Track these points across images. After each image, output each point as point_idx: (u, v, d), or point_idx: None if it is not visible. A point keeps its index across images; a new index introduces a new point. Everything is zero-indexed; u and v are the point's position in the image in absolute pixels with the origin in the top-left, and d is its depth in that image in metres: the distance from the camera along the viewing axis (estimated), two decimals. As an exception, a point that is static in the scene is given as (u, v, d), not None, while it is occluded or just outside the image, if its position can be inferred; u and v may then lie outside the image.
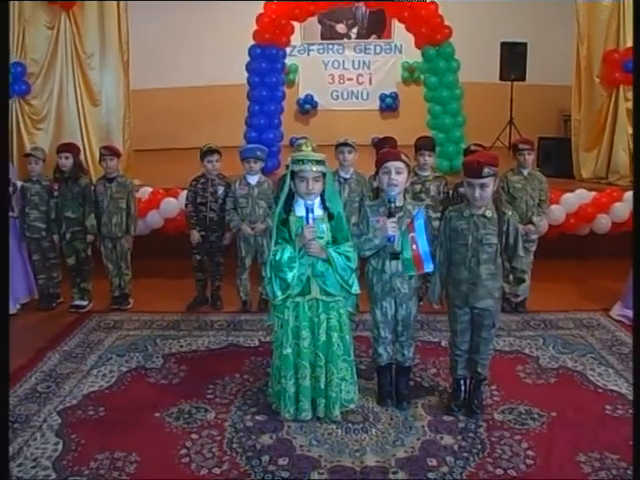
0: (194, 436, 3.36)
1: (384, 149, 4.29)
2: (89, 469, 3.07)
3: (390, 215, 3.33)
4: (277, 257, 3.33)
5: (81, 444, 3.28)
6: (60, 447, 3.25)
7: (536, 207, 5.08)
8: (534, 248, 5.15)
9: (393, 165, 3.37)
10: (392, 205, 3.33)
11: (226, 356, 4.40)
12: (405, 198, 3.50)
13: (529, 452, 3.19)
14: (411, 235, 3.36)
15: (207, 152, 5.14)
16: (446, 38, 7.48)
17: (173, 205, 6.05)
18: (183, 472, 3.06)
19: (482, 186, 3.26)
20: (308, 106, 11.10)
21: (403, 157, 3.42)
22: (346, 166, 5.04)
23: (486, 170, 3.24)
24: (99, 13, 6.65)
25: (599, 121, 6.94)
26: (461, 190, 4.86)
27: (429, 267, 3.40)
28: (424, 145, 5.08)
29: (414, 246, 3.36)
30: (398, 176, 3.36)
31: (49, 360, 4.31)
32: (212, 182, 5.16)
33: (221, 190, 5.16)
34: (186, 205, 5.28)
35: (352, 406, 3.59)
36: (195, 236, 5.18)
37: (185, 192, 5.42)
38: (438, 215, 4.75)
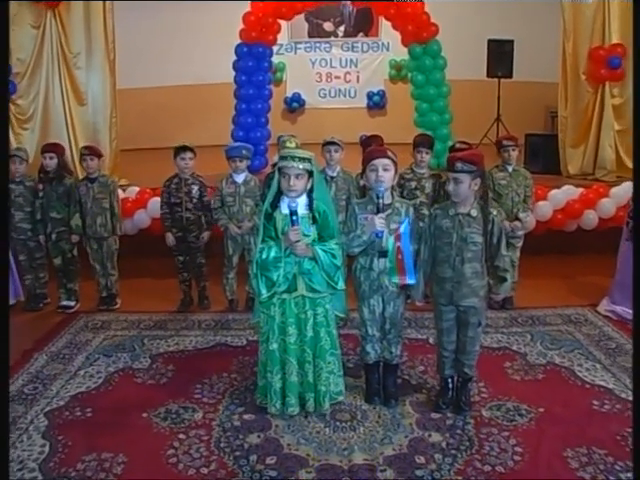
0: (182, 436, 3.35)
1: (371, 147, 4.29)
2: (76, 471, 3.05)
3: (378, 211, 3.33)
4: (263, 256, 3.34)
5: (68, 446, 3.26)
6: (47, 449, 3.23)
7: (522, 203, 5.09)
8: (520, 244, 5.16)
9: (380, 162, 3.38)
10: (380, 201, 3.33)
11: (214, 355, 4.39)
12: (393, 196, 3.51)
13: (517, 448, 3.20)
14: (397, 245, 3.38)
15: (180, 149, 5.06)
16: (433, 36, 7.51)
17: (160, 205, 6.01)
18: (171, 472, 3.05)
19: (456, 181, 3.28)
20: (295, 104, 11.09)
21: (390, 154, 3.42)
22: (333, 165, 5.04)
23: (458, 165, 3.25)
24: (85, 12, 6.62)
25: (585, 117, 6.99)
26: (447, 188, 4.88)
27: (411, 279, 3.43)
28: (422, 142, 5.09)
29: (399, 256, 3.38)
30: (385, 173, 3.37)
31: (36, 361, 4.28)
32: (186, 182, 5.11)
33: (195, 189, 5.11)
34: (161, 206, 5.22)
35: (341, 398, 3.61)
36: (170, 238, 5.14)
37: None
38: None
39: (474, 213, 3.33)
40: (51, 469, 3.07)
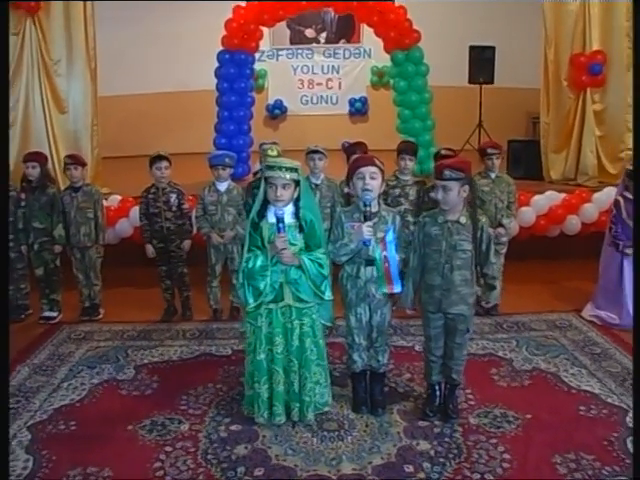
0: (168, 448, 3.31)
1: (356, 154, 4.29)
2: (61, 486, 3.01)
3: (365, 219, 3.32)
4: (249, 265, 3.33)
5: (52, 460, 3.20)
6: (30, 464, 3.17)
7: (505, 210, 5.11)
8: (504, 250, 5.17)
9: (367, 170, 3.37)
10: (367, 209, 3.32)
11: (199, 366, 4.35)
12: (380, 204, 3.50)
13: (505, 455, 3.20)
14: (384, 254, 3.37)
15: (155, 159, 5.00)
16: (415, 42, 7.54)
17: (143, 213, 5.97)
18: (157, 486, 3.01)
19: (444, 188, 3.28)
20: (277, 111, 11.08)
21: (377, 162, 3.41)
22: (317, 172, 5.04)
23: (446, 172, 3.26)
24: (65, 19, 6.55)
25: (567, 123, 7.05)
26: (432, 195, 4.89)
27: (398, 288, 3.43)
28: (406, 149, 5.10)
29: (386, 264, 3.37)
30: (372, 181, 3.36)
31: (18, 374, 4.21)
32: (163, 191, 5.06)
33: (174, 198, 5.07)
34: (140, 218, 5.16)
35: (327, 409, 3.60)
36: (149, 250, 5.10)
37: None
38: (415, 220, 4.75)
39: (463, 220, 3.33)
40: (35, 485, 3.02)
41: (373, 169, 3.37)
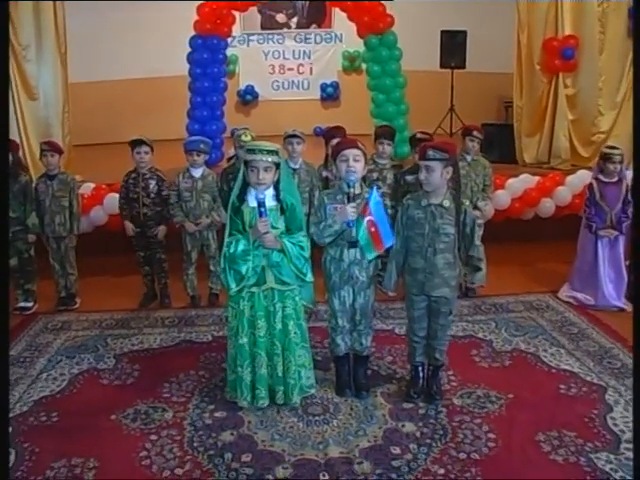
0: (153, 437, 3.29)
1: (335, 139, 4.29)
2: (45, 479, 2.97)
3: (349, 201, 3.31)
4: (231, 250, 3.33)
5: (35, 452, 3.16)
6: (13, 457, 3.12)
7: (481, 192, 5.16)
8: (480, 233, 5.19)
9: (351, 153, 3.37)
10: (351, 190, 3.31)
11: (179, 353, 4.32)
12: (362, 187, 3.49)
13: (490, 435, 3.25)
14: (368, 219, 3.31)
15: (135, 143, 4.96)
16: (388, 27, 7.52)
17: (117, 200, 5.87)
18: (144, 474, 2.99)
19: (427, 169, 3.29)
20: (249, 97, 10.97)
21: (360, 145, 3.42)
22: (295, 157, 5.03)
23: (430, 152, 3.27)
24: (34, 3, 6.37)
25: (540, 107, 7.11)
26: (408, 179, 4.90)
27: (390, 241, 3.38)
28: (384, 134, 5.11)
29: (373, 228, 3.31)
30: (356, 163, 3.36)
31: (-6, 366, 4.14)
32: (143, 176, 5.01)
33: (153, 184, 5.02)
34: (120, 201, 5.15)
35: (312, 391, 3.62)
36: (129, 227, 5.05)
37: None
38: (394, 203, 4.77)
39: (447, 204, 3.34)
40: (19, 478, 2.97)
41: (356, 152, 3.37)
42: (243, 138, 4.72)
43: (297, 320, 3.49)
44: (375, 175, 5.03)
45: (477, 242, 3.44)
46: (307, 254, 3.41)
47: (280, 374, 3.47)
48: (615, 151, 4.82)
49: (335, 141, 4.27)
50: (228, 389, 3.61)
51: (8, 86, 5.37)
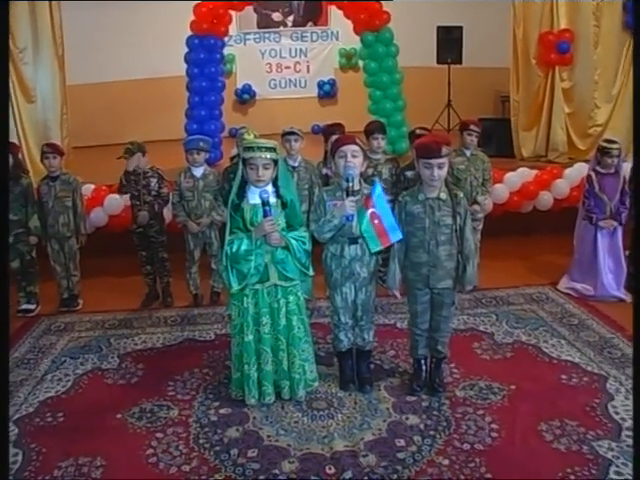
0: (159, 435, 3.31)
1: (335, 135, 4.30)
2: (53, 478, 2.99)
3: (348, 196, 3.32)
4: (233, 249, 3.34)
5: (42, 453, 3.19)
6: (20, 458, 3.14)
7: (480, 187, 5.17)
8: (480, 227, 5.26)
9: (349, 149, 3.39)
10: (350, 184, 3.33)
11: (183, 352, 4.35)
12: (361, 183, 3.51)
13: (493, 425, 3.28)
14: (371, 211, 3.28)
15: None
16: (385, 23, 7.54)
17: (117, 202, 5.89)
18: (152, 472, 3.02)
19: (440, 166, 3.30)
20: (246, 96, 10.98)
21: (358, 141, 3.45)
22: (293, 154, 5.03)
23: (444, 150, 3.29)
24: (30, 5, 6.37)
25: (537, 101, 7.12)
26: (408, 174, 4.92)
27: (397, 236, 3.33)
28: (376, 128, 5.10)
29: (376, 221, 3.29)
30: (354, 159, 3.39)
31: (-1, 367, 4.16)
32: (144, 174, 5.03)
33: (154, 182, 5.04)
34: (119, 189, 5.14)
35: (316, 384, 3.66)
36: (142, 216, 5.00)
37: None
38: (390, 198, 4.78)
39: (443, 196, 3.38)
40: (26, 479, 2.99)
41: (355, 147, 3.40)
42: (247, 137, 4.72)
43: (300, 315, 3.51)
44: (370, 171, 5.01)
45: (468, 235, 3.43)
46: (309, 247, 3.44)
47: (285, 369, 3.50)
48: (613, 145, 4.84)
49: (334, 138, 4.28)
50: (233, 387, 3.63)
51: (8, 88, 5.38)
